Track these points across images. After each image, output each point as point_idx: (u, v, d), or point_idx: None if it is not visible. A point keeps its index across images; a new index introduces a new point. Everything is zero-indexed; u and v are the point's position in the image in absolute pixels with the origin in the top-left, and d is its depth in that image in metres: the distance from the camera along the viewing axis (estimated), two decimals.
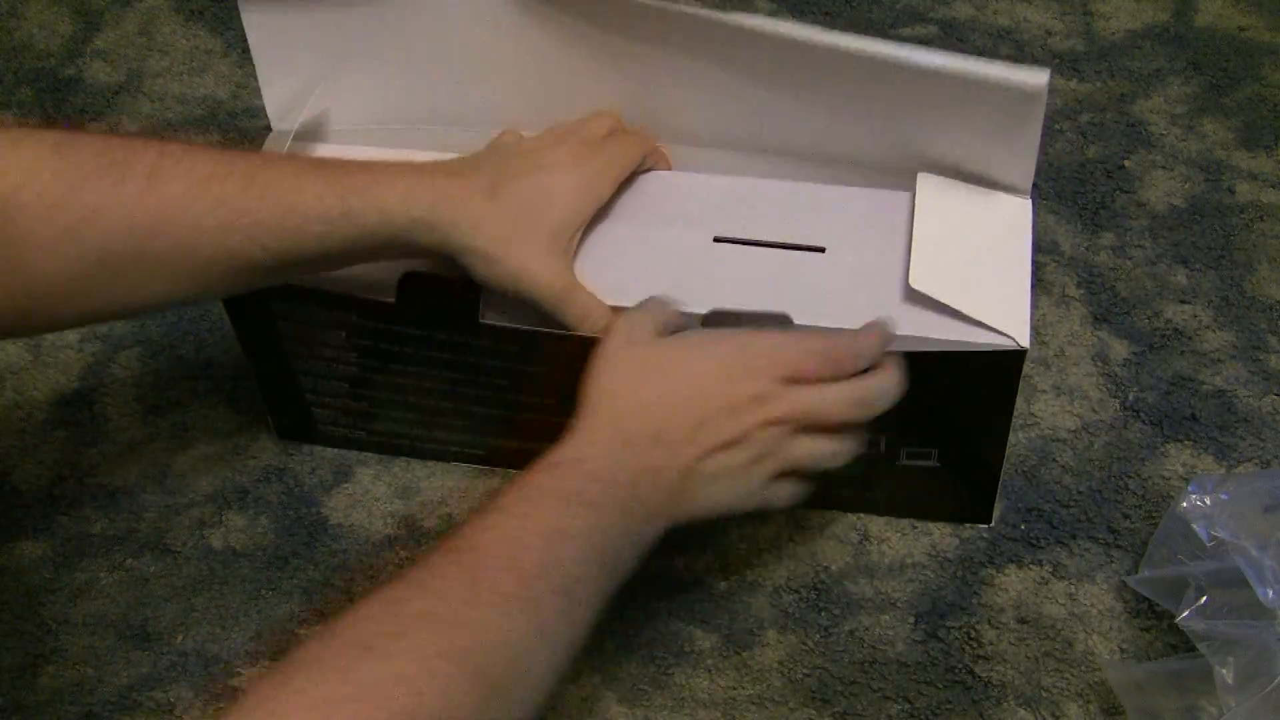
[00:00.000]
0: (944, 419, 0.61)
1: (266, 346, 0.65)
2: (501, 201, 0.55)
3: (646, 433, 0.51)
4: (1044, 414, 0.70)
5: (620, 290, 0.58)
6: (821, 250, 0.60)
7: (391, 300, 0.61)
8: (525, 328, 0.59)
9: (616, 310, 0.57)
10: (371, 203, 0.54)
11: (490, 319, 0.60)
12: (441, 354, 0.63)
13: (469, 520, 0.47)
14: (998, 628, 0.61)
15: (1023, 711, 0.59)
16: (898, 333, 0.56)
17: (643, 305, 0.56)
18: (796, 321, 0.57)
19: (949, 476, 0.63)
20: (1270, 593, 0.54)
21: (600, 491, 0.49)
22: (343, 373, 0.66)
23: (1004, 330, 0.56)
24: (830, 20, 0.95)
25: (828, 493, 0.60)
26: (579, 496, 0.48)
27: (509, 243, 0.55)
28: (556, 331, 0.58)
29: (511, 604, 0.44)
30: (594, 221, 0.60)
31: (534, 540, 0.46)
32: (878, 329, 0.55)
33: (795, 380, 0.53)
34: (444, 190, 0.55)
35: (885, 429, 0.59)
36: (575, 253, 0.58)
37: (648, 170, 0.64)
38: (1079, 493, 0.66)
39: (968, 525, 0.65)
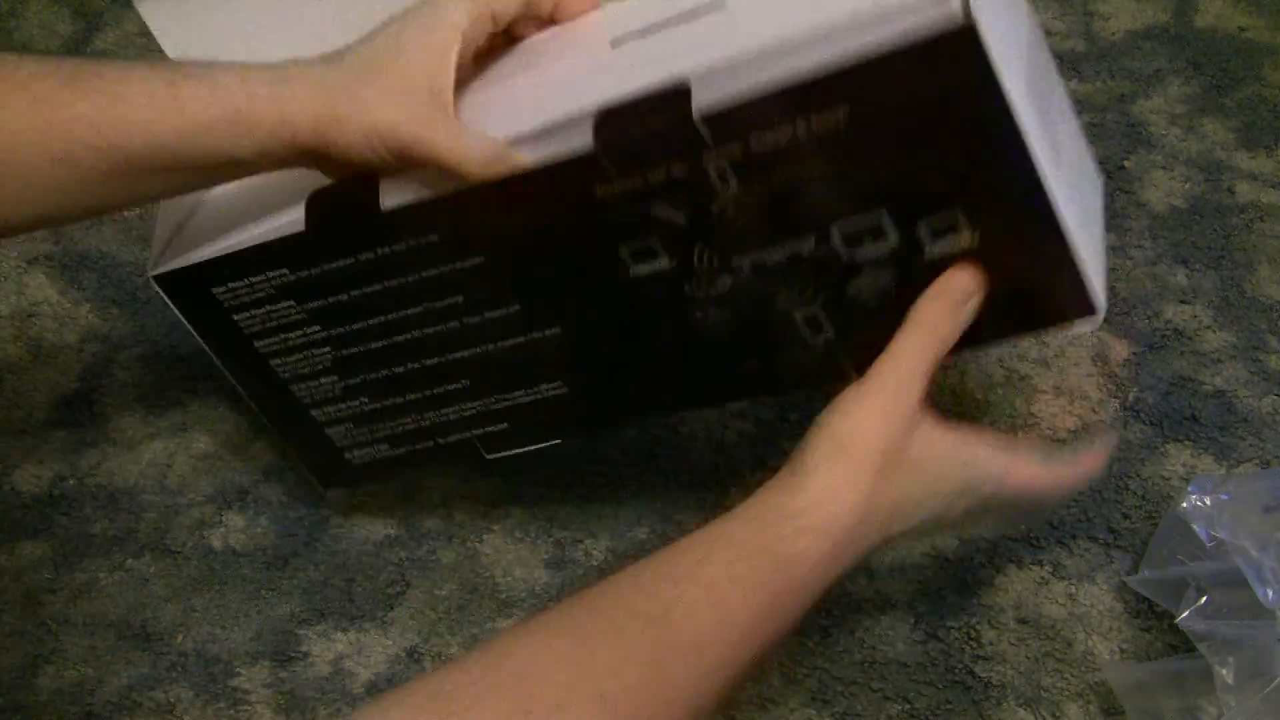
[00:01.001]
0: (933, 158, 0.47)
1: (251, 367, 0.61)
2: (344, 64, 0.49)
3: (881, 517, 0.47)
4: (1044, 414, 0.70)
5: (522, 123, 0.50)
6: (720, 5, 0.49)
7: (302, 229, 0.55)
8: (427, 197, 0.52)
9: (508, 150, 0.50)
10: (205, 83, 0.48)
11: (391, 202, 0.53)
12: (380, 279, 0.56)
13: (682, 564, 0.43)
14: (998, 628, 0.61)
15: (1023, 712, 0.59)
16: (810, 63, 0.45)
17: (908, 357, 0.48)
18: (698, 87, 0.47)
19: (1001, 252, 0.49)
20: (1270, 593, 0.54)
21: (814, 547, 0.45)
22: (321, 362, 0.60)
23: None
24: None
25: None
26: (793, 556, 0.44)
27: (351, 97, 0.48)
28: (460, 187, 0.51)
29: (682, 695, 0.41)
30: (485, 71, 0.53)
31: (732, 618, 0.43)
32: (1096, 456, 0.53)
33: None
34: (294, 71, 0.49)
35: (861, 201, 0.48)
36: (454, 102, 0.50)
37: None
38: (1079, 493, 0.66)
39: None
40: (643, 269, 0.52)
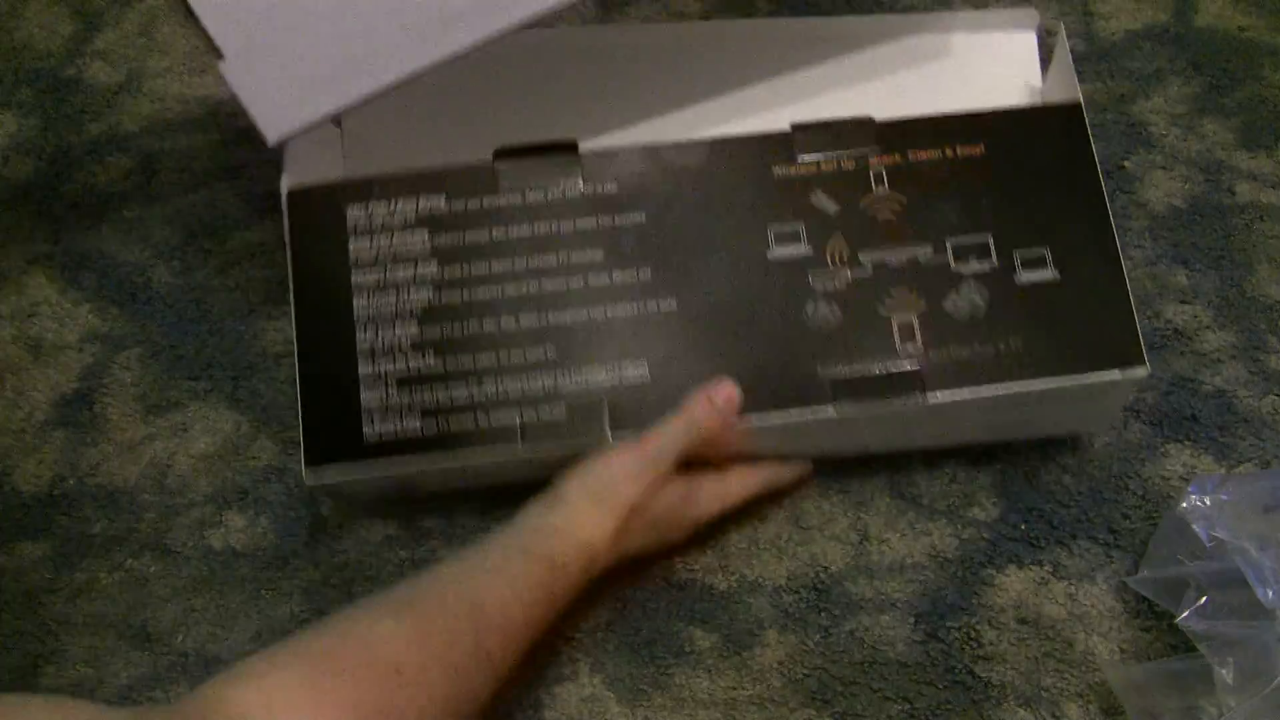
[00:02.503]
0: (1037, 202, 0.61)
1: (327, 300, 0.61)
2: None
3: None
4: None
5: None
6: None
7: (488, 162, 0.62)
8: (624, 146, 0.62)
9: None
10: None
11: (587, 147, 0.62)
12: (543, 223, 0.61)
13: (484, 570, 0.54)
14: (998, 628, 0.61)
15: (1023, 712, 0.59)
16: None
17: (667, 437, 0.59)
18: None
19: (1075, 295, 0.60)
20: (1270, 593, 0.54)
21: (576, 560, 0.56)
22: (413, 305, 0.60)
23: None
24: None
25: (983, 364, 0.59)
26: (563, 564, 0.56)
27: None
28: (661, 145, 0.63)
29: (494, 666, 0.52)
30: None
31: (521, 605, 0.54)
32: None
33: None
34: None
35: (981, 223, 0.61)
36: None
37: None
38: (1079, 493, 0.66)
39: (968, 525, 0.65)
40: (781, 252, 0.61)
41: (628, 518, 0.57)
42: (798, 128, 0.62)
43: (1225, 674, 0.53)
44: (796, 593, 0.63)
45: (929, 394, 0.59)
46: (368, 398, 0.61)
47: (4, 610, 0.64)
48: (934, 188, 0.62)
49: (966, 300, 0.60)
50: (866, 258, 0.61)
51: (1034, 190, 0.62)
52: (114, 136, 0.89)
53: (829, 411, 0.59)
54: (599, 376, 0.60)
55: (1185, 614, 0.56)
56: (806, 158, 0.62)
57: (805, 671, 0.60)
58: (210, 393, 0.74)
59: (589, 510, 0.57)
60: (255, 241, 0.82)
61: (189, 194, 0.85)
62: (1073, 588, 0.63)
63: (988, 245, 0.61)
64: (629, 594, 0.63)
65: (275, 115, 0.60)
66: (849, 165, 0.62)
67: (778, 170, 0.62)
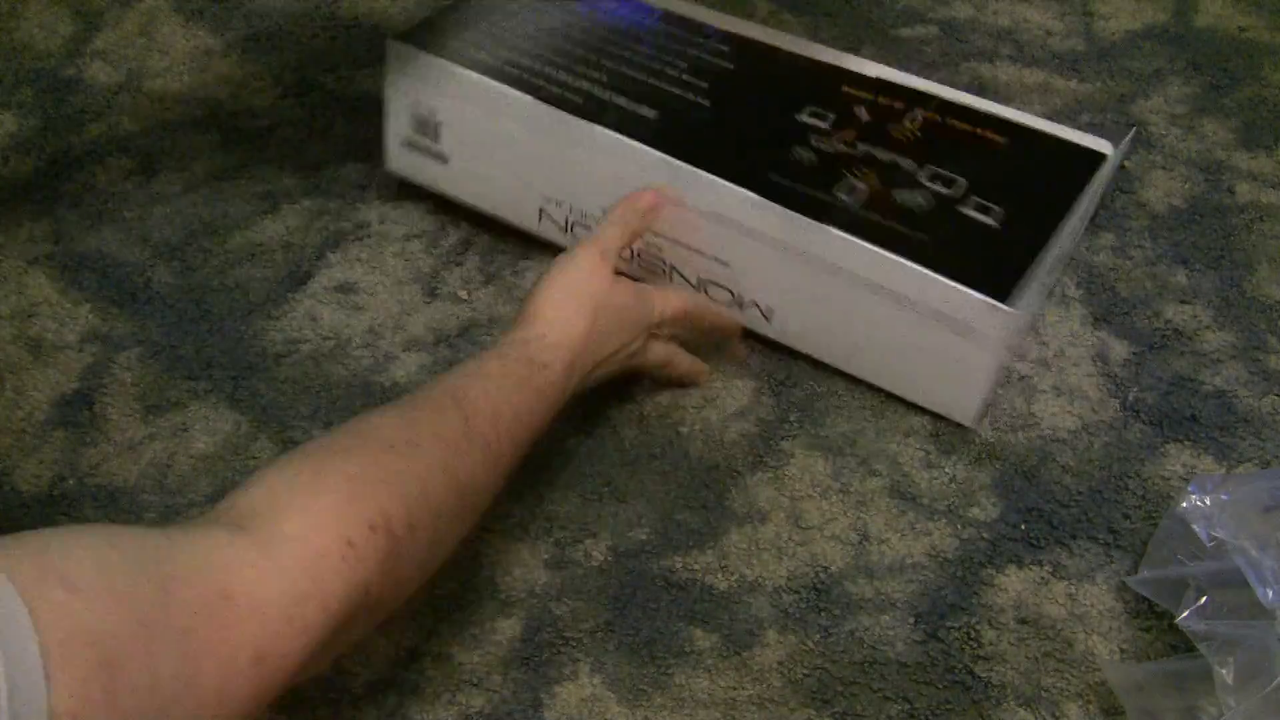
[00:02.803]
0: (1019, 185, 0.71)
1: None
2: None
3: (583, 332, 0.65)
4: (1044, 414, 0.70)
5: None
6: None
7: None
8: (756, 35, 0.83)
9: None
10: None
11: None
12: None
13: (465, 374, 0.60)
14: (998, 628, 0.61)
15: (1023, 711, 0.59)
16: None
17: (607, 232, 0.68)
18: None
19: (994, 242, 0.68)
20: (1270, 593, 0.54)
21: (557, 358, 0.62)
22: None
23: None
24: (830, 20, 0.95)
25: (879, 225, 0.68)
26: (543, 363, 0.61)
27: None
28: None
29: (488, 450, 0.57)
30: None
31: (504, 394, 0.59)
32: None
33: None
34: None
35: (966, 174, 0.71)
36: None
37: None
38: (1079, 493, 0.66)
39: (968, 525, 0.65)
40: (806, 119, 0.76)
41: (594, 312, 0.64)
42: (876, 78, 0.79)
43: (1225, 674, 0.53)
44: (796, 593, 0.63)
45: (838, 231, 0.67)
46: None
47: None
48: (948, 143, 0.73)
49: (913, 198, 0.69)
50: (864, 146, 0.73)
51: (1023, 180, 0.72)
52: (114, 136, 0.89)
53: (751, 200, 0.68)
54: (646, 109, 0.76)
55: (1185, 614, 0.56)
56: (868, 83, 0.78)
57: (805, 671, 0.60)
58: (210, 393, 0.74)
59: (559, 313, 0.63)
60: (255, 241, 0.82)
61: (189, 194, 0.85)
62: (1073, 588, 0.63)
63: (957, 183, 0.71)
64: (629, 594, 0.63)
65: None
66: (899, 105, 0.76)
67: (847, 85, 0.78)
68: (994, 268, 0.65)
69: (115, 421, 0.73)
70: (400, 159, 0.82)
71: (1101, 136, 0.75)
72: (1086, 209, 0.75)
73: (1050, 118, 0.82)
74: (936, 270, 0.65)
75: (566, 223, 0.77)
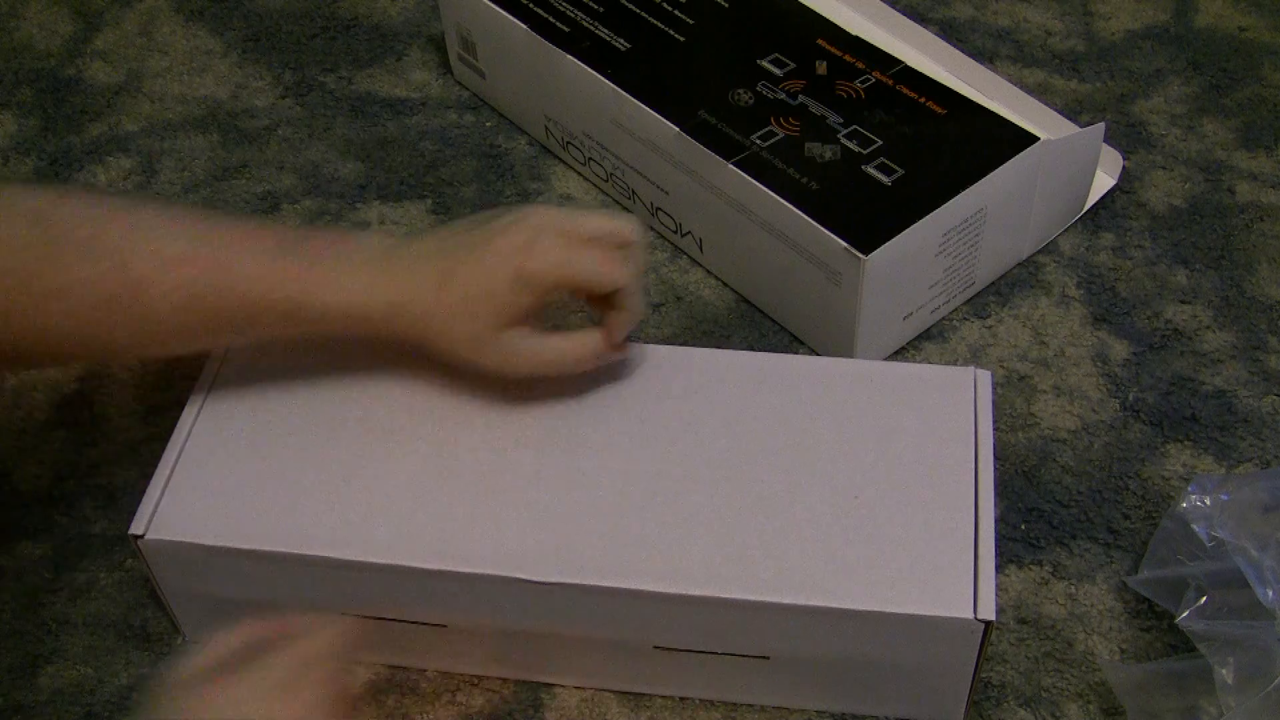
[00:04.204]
0: (935, 155, 0.71)
1: None
2: (450, 295, 0.56)
3: None
4: (1044, 414, 0.70)
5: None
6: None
7: None
8: None
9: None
10: (330, 300, 0.56)
11: None
12: None
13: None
14: (998, 628, 0.61)
15: (1023, 711, 0.59)
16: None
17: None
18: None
19: (882, 200, 0.69)
20: (1270, 593, 0.54)
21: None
22: None
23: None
24: None
25: None
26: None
27: (470, 343, 0.57)
28: None
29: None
30: None
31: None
32: None
33: None
34: (403, 288, 0.56)
35: (888, 137, 0.72)
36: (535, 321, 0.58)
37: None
38: (1079, 493, 0.66)
39: None
40: (765, 65, 0.78)
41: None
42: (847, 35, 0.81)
43: (1225, 674, 0.53)
44: None
45: (735, 168, 0.70)
46: None
47: (4, 610, 0.64)
48: (885, 107, 0.75)
49: (821, 151, 0.72)
50: (803, 98, 0.75)
51: (942, 150, 0.72)
52: (114, 136, 0.89)
53: (674, 133, 0.73)
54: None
55: (1185, 614, 0.56)
56: (844, 39, 0.80)
57: None
58: None
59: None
60: None
61: (189, 194, 0.85)
62: (1073, 588, 0.63)
63: (873, 144, 0.72)
64: None
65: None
66: (860, 65, 0.78)
67: (822, 38, 0.80)
68: (871, 222, 0.67)
69: (115, 421, 0.73)
70: (458, 70, 0.92)
71: (1080, 128, 0.75)
72: (1040, 195, 0.74)
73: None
74: (813, 215, 0.67)
75: (562, 140, 0.84)
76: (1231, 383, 0.71)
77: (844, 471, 0.58)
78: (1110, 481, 0.67)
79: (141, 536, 0.57)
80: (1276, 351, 0.73)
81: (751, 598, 0.53)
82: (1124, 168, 0.82)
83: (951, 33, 0.93)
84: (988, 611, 0.53)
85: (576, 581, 0.54)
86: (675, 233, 0.79)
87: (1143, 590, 0.62)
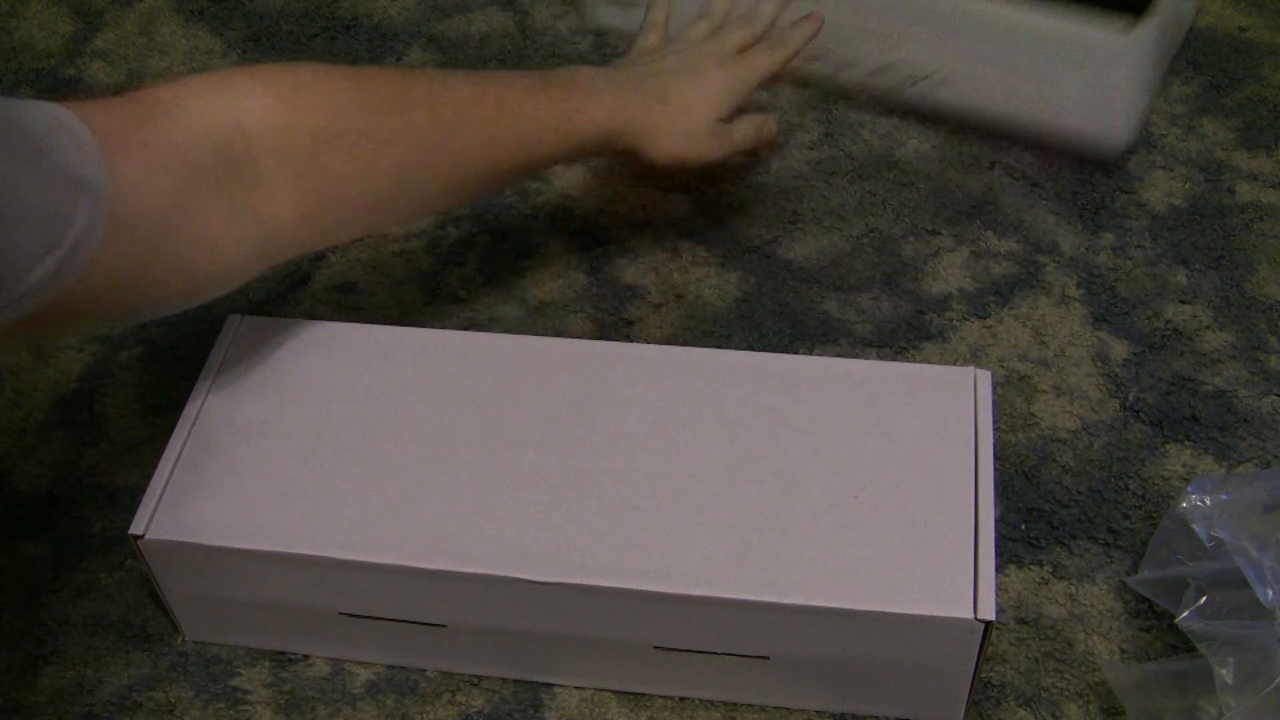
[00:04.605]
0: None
1: None
2: (672, 106, 0.70)
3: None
4: (1044, 414, 0.70)
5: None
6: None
7: None
8: None
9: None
10: (589, 119, 0.67)
11: None
12: None
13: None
14: (998, 628, 0.61)
15: (1023, 711, 0.59)
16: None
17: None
18: None
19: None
20: (1270, 593, 0.54)
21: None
22: None
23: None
24: None
25: None
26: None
27: (683, 138, 0.71)
28: None
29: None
30: None
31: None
32: None
33: None
34: (636, 105, 0.69)
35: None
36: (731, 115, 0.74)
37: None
38: (1079, 493, 0.66)
39: None
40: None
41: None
42: None
43: (1225, 674, 0.53)
44: None
45: None
46: None
47: (4, 610, 0.64)
48: None
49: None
50: None
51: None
52: None
53: None
54: None
55: (1185, 614, 0.56)
56: None
57: None
58: None
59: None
60: None
61: None
62: (1073, 588, 0.63)
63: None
64: None
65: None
66: None
67: None
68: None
69: (115, 421, 0.72)
70: (599, 10, 0.95)
71: None
72: None
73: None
74: None
75: None
76: (1231, 383, 0.71)
77: (843, 471, 0.58)
78: (1110, 481, 0.67)
79: (141, 537, 0.57)
80: (1276, 351, 0.73)
81: (751, 598, 0.54)
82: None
83: None
84: (988, 611, 0.53)
85: (576, 581, 0.54)
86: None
87: (1143, 590, 0.62)
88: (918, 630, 0.54)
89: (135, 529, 0.57)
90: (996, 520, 0.59)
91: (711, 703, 0.60)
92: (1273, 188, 0.82)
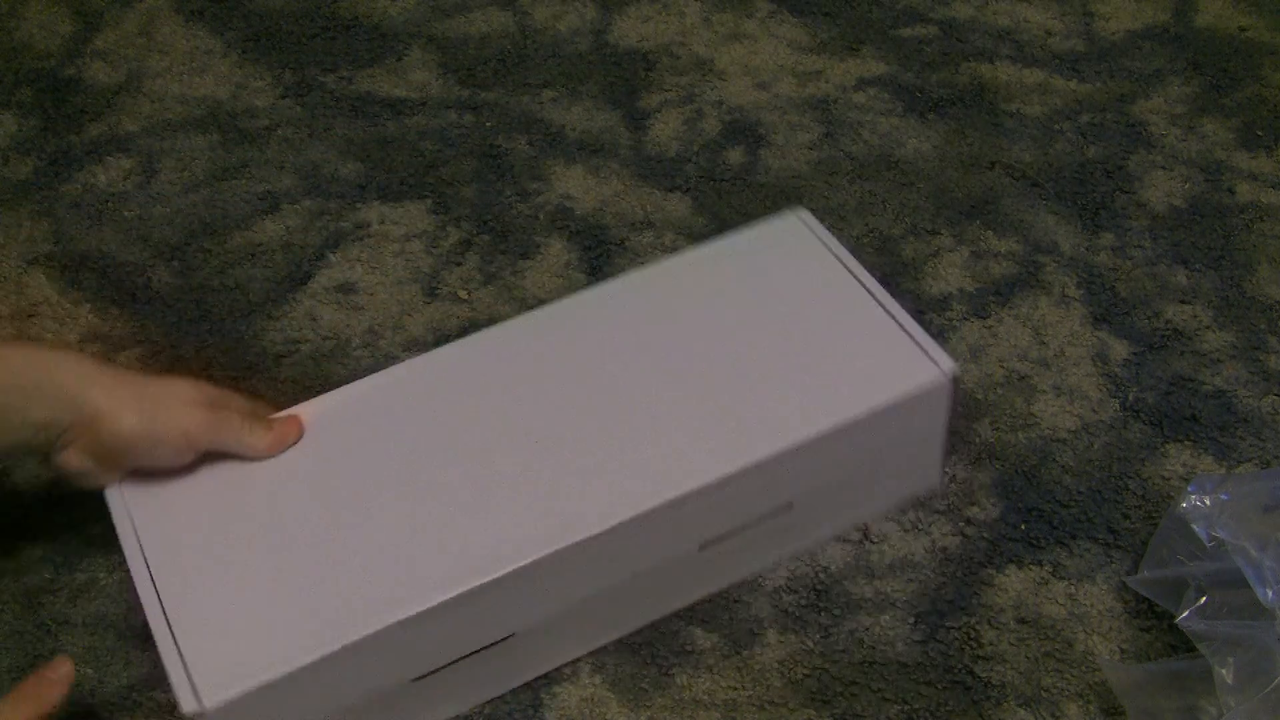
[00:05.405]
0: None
1: None
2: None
3: None
4: (1044, 414, 0.70)
5: None
6: None
7: None
8: None
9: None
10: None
11: None
12: None
13: None
14: (998, 628, 0.61)
15: (1023, 712, 0.59)
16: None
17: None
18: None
19: None
20: (1270, 593, 0.54)
21: None
22: None
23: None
24: (830, 20, 0.95)
25: None
26: None
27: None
28: None
29: None
30: None
31: None
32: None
33: None
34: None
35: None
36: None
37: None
38: (1079, 493, 0.66)
39: (968, 525, 0.65)
40: None
41: None
42: None
43: (1225, 674, 0.53)
44: (796, 593, 0.63)
45: None
46: None
47: (4, 610, 0.64)
48: None
49: None
50: None
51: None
52: (114, 136, 0.89)
53: None
54: None
55: (1185, 614, 0.56)
56: None
57: (805, 672, 0.60)
58: None
59: None
60: (255, 241, 0.82)
61: (189, 194, 0.85)
62: (1073, 588, 0.63)
63: None
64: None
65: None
66: None
67: None
68: None
69: None
70: None
71: None
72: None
73: (1050, 118, 0.82)
74: None
75: None
76: (1231, 383, 0.71)
77: (760, 331, 0.63)
78: (1110, 481, 0.67)
79: (203, 713, 0.52)
80: (1276, 351, 0.73)
81: (772, 450, 0.58)
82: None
83: (951, 32, 0.93)
84: (947, 364, 0.60)
85: (630, 516, 0.56)
86: None
87: (1143, 590, 0.62)
88: (899, 413, 0.60)
89: (190, 708, 0.52)
90: (900, 304, 0.63)
91: (712, 703, 0.60)
92: (1273, 188, 0.82)
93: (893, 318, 0.62)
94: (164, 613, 0.55)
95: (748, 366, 0.61)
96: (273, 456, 0.60)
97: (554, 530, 0.56)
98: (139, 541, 0.57)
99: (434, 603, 0.54)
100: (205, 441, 0.58)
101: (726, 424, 0.59)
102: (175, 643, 0.54)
